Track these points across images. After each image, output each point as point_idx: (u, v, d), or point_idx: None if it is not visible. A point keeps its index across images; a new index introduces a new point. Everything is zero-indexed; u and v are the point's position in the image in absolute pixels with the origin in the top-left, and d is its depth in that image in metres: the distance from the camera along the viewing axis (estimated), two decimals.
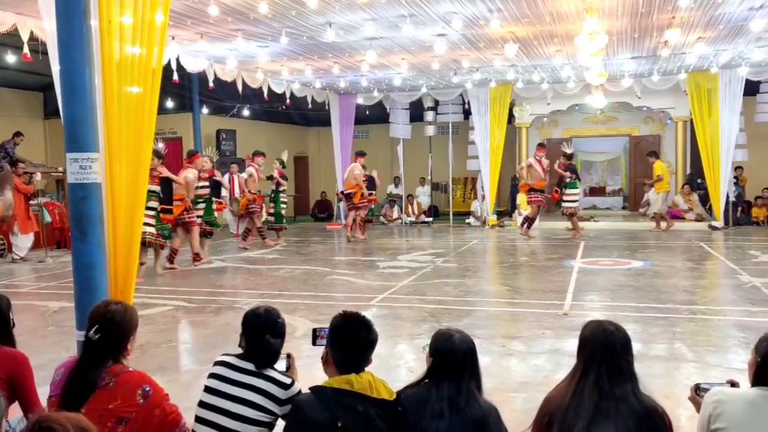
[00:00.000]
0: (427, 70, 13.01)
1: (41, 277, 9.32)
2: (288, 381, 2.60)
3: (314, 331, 2.70)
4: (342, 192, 14.20)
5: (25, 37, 7.65)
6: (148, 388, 2.44)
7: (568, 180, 12.91)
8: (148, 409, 2.41)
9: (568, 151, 13.17)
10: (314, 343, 2.68)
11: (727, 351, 5.21)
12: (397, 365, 4.91)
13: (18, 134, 12.75)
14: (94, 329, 2.50)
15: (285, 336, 2.72)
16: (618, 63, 12.69)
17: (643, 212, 14.89)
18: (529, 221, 13.28)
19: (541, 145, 13.85)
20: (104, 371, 2.45)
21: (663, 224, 14.02)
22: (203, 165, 10.41)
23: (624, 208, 17.72)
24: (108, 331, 2.51)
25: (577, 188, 13.24)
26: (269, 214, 12.90)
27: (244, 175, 12.21)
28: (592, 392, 2.21)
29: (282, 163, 12.93)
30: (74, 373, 2.48)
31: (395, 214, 17.49)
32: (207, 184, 10.49)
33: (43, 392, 2.80)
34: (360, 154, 13.48)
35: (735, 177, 14.79)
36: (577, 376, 2.28)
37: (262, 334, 2.63)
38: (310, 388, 2.43)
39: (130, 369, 2.54)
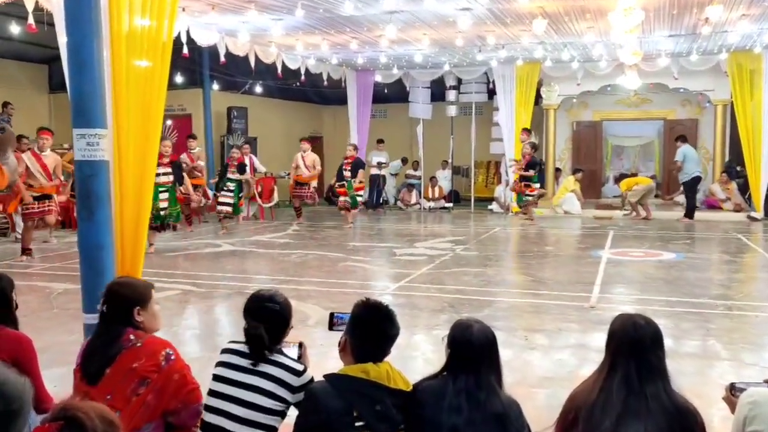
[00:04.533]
0: (450, 47, 12.51)
1: (45, 258, 9.20)
2: (300, 368, 2.59)
3: (331, 315, 2.70)
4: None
5: (29, 7, 7.30)
6: (171, 353, 2.59)
7: (531, 173, 13.04)
8: (168, 373, 2.53)
9: (534, 140, 12.98)
10: (330, 328, 2.69)
11: (764, 349, 5.08)
12: (413, 356, 4.81)
13: (6, 104, 12.09)
14: (101, 301, 2.72)
15: (274, 322, 2.62)
16: (654, 41, 12.19)
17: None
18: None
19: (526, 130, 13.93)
20: (127, 335, 2.59)
21: (642, 212, 13.86)
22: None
23: (656, 196, 16.93)
24: (112, 303, 2.69)
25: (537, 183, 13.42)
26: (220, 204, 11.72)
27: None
28: (620, 389, 2.16)
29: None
30: (89, 342, 2.70)
31: (413, 199, 16.98)
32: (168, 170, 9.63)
33: (47, 375, 3.01)
34: None
35: None
36: (605, 371, 2.24)
37: (246, 316, 2.67)
38: (324, 376, 2.41)
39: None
